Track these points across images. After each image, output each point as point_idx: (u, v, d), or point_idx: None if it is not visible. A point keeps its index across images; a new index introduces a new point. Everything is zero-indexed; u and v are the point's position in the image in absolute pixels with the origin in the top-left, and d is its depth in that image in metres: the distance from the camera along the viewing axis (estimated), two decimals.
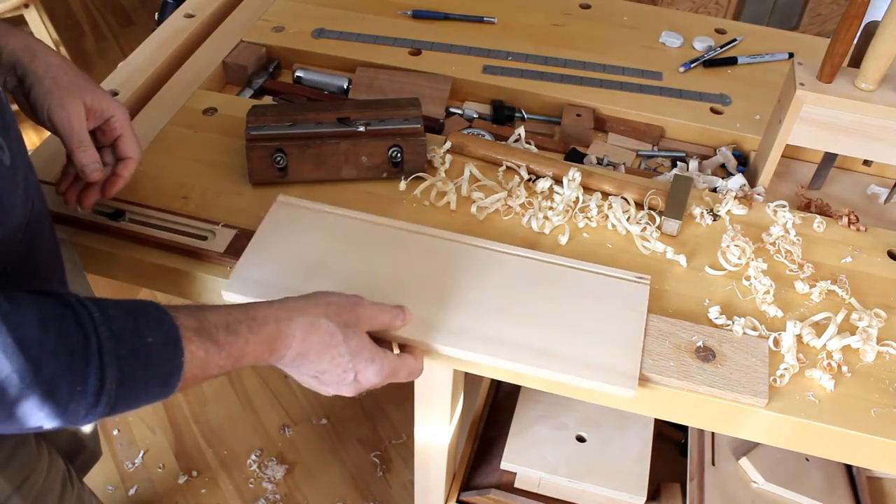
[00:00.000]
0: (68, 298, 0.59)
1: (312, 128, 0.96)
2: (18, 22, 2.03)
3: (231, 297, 0.84)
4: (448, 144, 1.03)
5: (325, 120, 0.97)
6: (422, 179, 0.99)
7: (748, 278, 0.90)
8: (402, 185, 0.99)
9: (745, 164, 1.10)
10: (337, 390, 0.75)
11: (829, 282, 0.89)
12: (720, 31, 1.33)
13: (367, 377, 0.75)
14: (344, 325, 0.73)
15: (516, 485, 1.18)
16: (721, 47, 1.27)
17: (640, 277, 0.87)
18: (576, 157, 1.10)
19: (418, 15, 1.30)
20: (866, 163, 1.07)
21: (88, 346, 0.57)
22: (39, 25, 2.00)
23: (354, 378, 0.74)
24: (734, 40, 1.29)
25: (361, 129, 0.96)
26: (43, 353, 0.55)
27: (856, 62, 0.96)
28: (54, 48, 2.02)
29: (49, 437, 1.01)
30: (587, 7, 1.37)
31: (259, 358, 0.69)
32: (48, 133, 0.87)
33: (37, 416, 0.56)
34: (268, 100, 1.19)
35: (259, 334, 0.68)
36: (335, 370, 0.73)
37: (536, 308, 0.84)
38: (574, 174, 0.97)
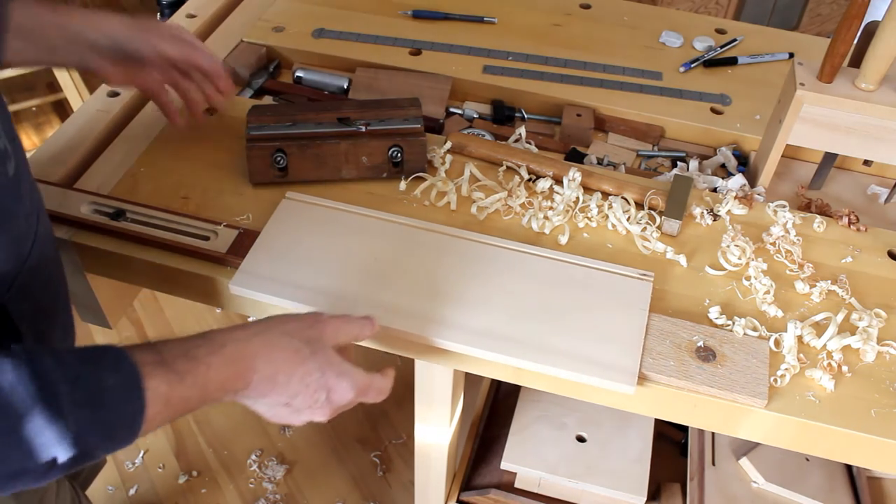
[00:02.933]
0: (19, 350, 0.56)
1: (312, 128, 0.96)
2: None
3: (238, 291, 0.85)
4: (448, 144, 1.03)
5: (325, 120, 0.97)
6: (422, 179, 0.99)
7: (748, 278, 0.90)
8: (402, 185, 0.99)
9: (745, 164, 1.10)
10: (311, 415, 0.72)
11: (829, 282, 0.89)
12: (720, 31, 1.33)
13: (339, 394, 0.71)
14: (307, 342, 0.70)
15: (516, 485, 1.18)
16: (721, 47, 1.27)
17: (644, 274, 0.88)
18: (576, 157, 1.10)
19: (418, 15, 1.30)
20: (866, 163, 1.07)
21: (43, 394, 0.54)
22: None
23: (327, 397, 0.71)
24: (734, 40, 1.29)
25: (361, 129, 0.96)
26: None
27: (856, 62, 0.96)
28: None
29: None
30: (587, 7, 1.37)
31: (226, 384, 0.65)
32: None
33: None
34: (268, 100, 1.19)
35: (220, 356, 0.65)
36: (306, 391, 0.70)
37: (540, 304, 0.84)
38: (574, 174, 0.97)
